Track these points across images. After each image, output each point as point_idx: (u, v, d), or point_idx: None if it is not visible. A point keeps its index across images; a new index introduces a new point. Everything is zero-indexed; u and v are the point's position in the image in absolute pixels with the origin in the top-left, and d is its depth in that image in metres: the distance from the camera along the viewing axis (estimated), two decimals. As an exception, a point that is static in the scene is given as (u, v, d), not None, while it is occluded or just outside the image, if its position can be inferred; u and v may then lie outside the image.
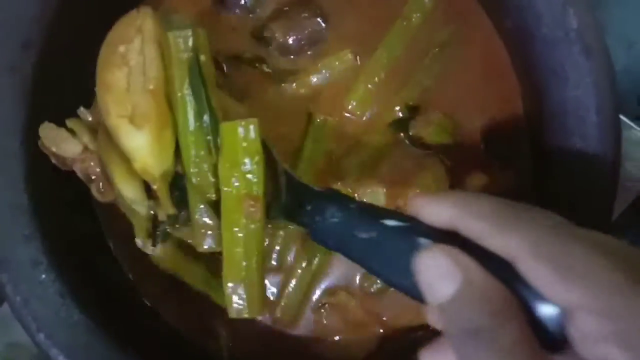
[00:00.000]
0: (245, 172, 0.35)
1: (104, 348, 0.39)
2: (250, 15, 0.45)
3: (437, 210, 0.28)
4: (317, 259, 0.44)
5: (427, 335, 0.43)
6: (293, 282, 0.44)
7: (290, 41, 0.45)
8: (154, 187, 0.37)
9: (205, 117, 0.36)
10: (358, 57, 0.44)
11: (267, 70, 0.45)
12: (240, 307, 0.35)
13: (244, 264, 0.35)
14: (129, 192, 0.37)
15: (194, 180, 0.36)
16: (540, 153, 0.38)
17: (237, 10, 0.45)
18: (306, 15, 0.45)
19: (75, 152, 0.39)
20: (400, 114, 0.44)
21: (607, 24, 0.59)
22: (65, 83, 0.42)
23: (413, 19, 0.44)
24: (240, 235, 0.35)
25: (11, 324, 0.51)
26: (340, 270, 0.44)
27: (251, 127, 0.34)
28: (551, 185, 0.36)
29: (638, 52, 0.59)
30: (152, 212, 0.38)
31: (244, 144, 0.34)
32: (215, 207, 0.37)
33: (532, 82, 0.37)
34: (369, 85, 0.44)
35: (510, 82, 0.42)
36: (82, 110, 0.39)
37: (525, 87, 0.41)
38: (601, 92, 0.33)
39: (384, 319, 0.44)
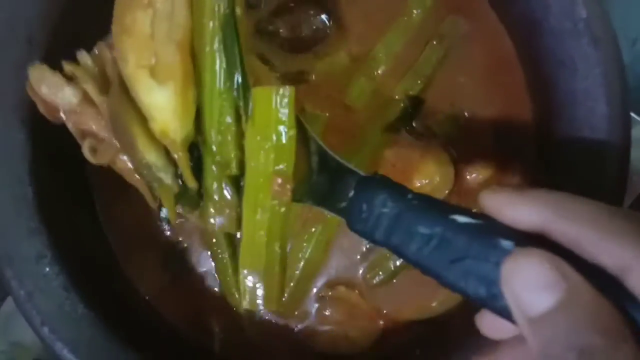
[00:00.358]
0: (277, 147, 0.31)
1: (108, 342, 0.39)
2: (254, 9, 0.44)
3: (525, 210, 0.25)
4: (309, 251, 0.43)
5: (431, 329, 0.44)
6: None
7: (295, 37, 0.44)
8: (175, 154, 0.32)
9: (236, 79, 0.32)
10: (359, 53, 0.44)
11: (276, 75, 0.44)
12: (256, 298, 0.32)
13: (266, 250, 0.32)
14: (153, 157, 0.33)
15: (214, 149, 0.33)
16: (547, 145, 0.38)
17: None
18: (312, 12, 0.45)
19: (70, 103, 0.34)
20: (402, 104, 0.44)
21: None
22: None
23: (414, 15, 0.44)
24: (264, 217, 0.32)
25: (14, 322, 0.51)
26: (340, 261, 0.44)
27: (287, 94, 0.30)
28: (559, 177, 0.36)
29: (642, 48, 0.59)
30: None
31: (277, 114, 0.30)
32: (235, 184, 0.33)
33: (540, 73, 0.37)
34: (369, 78, 0.44)
35: (516, 73, 0.42)
36: (82, 53, 0.34)
37: (533, 78, 0.41)
38: (611, 83, 0.33)
39: (386, 311, 0.44)
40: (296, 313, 0.44)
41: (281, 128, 0.31)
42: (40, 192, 0.39)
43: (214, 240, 0.44)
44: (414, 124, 0.44)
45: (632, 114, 0.50)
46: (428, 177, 0.42)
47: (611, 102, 0.32)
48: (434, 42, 0.43)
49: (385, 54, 0.44)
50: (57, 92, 0.34)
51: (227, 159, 0.33)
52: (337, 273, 0.44)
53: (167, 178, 0.33)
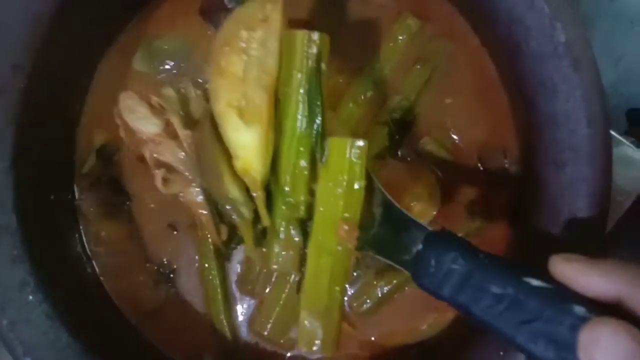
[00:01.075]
0: (347, 195, 0.33)
1: (93, 372, 0.38)
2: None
3: (600, 281, 0.26)
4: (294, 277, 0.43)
5: (421, 352, 0.43)
6: (280, 299, 0.43)
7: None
8: (254, 192, 0.35)
9: (316, 127, 0.34)
10: (342, 79, 0.44)
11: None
12: (314, 340, 0.34)
13: (327, 294, 0.34)
14: (237, 192, 0.35)
15: (286, 190, 0.35)
16: (531, 167, 0.38)
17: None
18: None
19: (151, 133, 0.37)
20: (389, 129, 0.44)
21: (593, 39, 0.59)
22: (53, 107, 0.42)
23: (399, 41, 0.44)
24: (328, 261, 0.34)
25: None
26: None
27: (360, 146, 0.33)
28: (543, 199, 0.36)
29: (625, 67, 0.60)
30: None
31: (351, 165, 0.33)
32: (301, 226, 0.35)
33: (522, 96, 0.37)
34: (356, 104, 0.44)
35: (500, 97, 0.42)
36: (168, 89, 0.38)
37: (516, 101, 0.41)
38: (591, 105, 0.33)
39: (375, 338, 0.44)
40: (282, 341, 0.44)
41: (353, 178, 0.33)
42: (24, 220, 0.39)
43: (206, 265, 0.44)
44: (399, 153, 0.44)
45: (616, 134, 0.50)
46: (417, 198, 0.42)
47: (592, 123, 0.33)
48: (418, 67, 0.44)
49: (372, 79, 0.44)
50: (142, 121, 0.38)
51: (297, 201, 0.35)
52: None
53: (248, 213, 0.36)
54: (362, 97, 0.44)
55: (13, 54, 0.38)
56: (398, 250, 0.33)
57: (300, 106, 0.34)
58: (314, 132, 0.34)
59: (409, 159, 0.44)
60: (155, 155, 0.38)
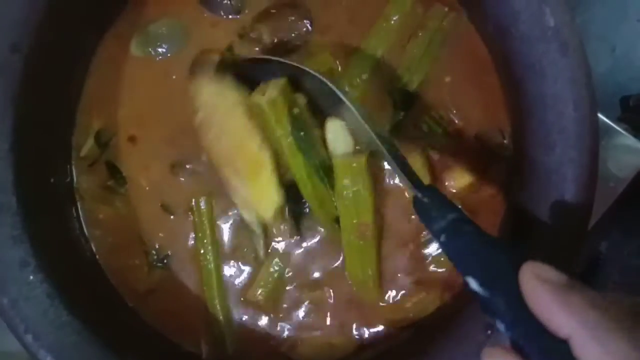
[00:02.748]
0: (355, 204, 0.41)
1: (92, 348, 0.39)
2: (237, 16, 0.45)
3: (561, 319, 0.25)
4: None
5: (411, 333, 0.44)
6: (272, 267, 0.45)
7: (279, 42, 0.45)
8: (256, 230, 0.43)
9: (314, 158, 0.41)
10: (339, 61, 0.45)
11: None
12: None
13: (362, 273, 0.43)
14: (248, 216, 0.43)
15: (316, 207, 0.42)
16: (522, 149, 0.39)
17: (222, 12, 0.45)
18: (293, 18, 0.45)
19: None
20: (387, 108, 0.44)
21: (589, 26, 0.60)
22: (52, 89, 0.43)
23: (392, 21, 0.44)
24: (357, 251, 0.42)
25: (2, 332, 0.51)
26: (323, 261, 0.45)
27: (361, 164, 0.40)
28: (533, 181, 0.37)
29: (621, 54, 0.60)
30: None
31: (354, 179, 0.40)
32: (338, 221, 0.43)
33: (513, 79, 0.38)
34: (351, 87, 0.44)
35: (493, 80, 0.43)
36: None
37: (507, 84, 0.41)
38: (578, 88, 0.33)
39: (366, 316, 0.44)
40: (280, 315, 0.45)
41: (359, 189, 0.41)
42: (24, 201, 0.39)
43: (201, 250, 0.45)
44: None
45: (609, 121, 0.51)
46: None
47: (579, 106, 0.33)
48: (411, 44, 0.44)
49: (367, 60, 0.44)
50: None
51: (327, 208, 0.43)
52: (321, 273, 0.45)
53: (258, 230, 0.43)
54: (358, 80, 0.44)
55: (11, 34, 0.38)
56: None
57: (294, 146, 0.40)
58: (314, 162, 0.41)
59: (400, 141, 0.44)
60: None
